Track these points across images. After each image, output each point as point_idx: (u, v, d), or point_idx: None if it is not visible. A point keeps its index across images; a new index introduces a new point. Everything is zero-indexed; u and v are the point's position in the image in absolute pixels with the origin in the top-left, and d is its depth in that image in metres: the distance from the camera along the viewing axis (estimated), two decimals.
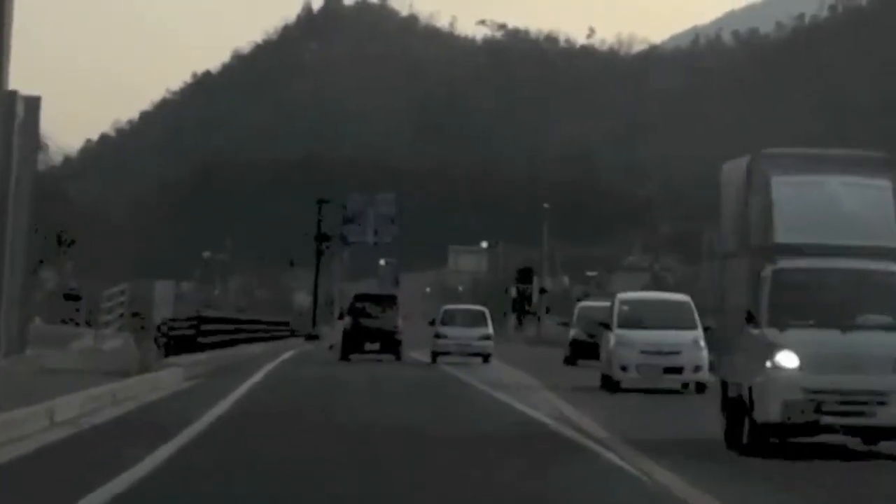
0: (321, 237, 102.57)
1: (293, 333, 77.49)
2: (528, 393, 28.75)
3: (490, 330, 49.49)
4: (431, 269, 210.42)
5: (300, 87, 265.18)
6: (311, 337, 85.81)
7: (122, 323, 36.62)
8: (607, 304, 38.31)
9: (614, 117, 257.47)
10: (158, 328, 37.16)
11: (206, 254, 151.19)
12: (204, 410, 22.32)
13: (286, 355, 52.44)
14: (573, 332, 50.84)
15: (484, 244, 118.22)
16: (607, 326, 34.08)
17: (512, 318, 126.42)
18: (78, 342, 39.10)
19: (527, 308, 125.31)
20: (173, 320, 39.99)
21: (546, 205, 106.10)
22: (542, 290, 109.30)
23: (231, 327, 50.30)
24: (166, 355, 36.28)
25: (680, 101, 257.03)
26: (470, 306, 58.77)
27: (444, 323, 48.70)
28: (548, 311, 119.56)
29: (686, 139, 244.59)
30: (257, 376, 34.38)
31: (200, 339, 41.69)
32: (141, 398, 25.18)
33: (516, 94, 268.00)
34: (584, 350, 46.50)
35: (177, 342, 39.41)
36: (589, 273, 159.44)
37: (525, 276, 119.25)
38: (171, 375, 31.10)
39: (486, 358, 47.96)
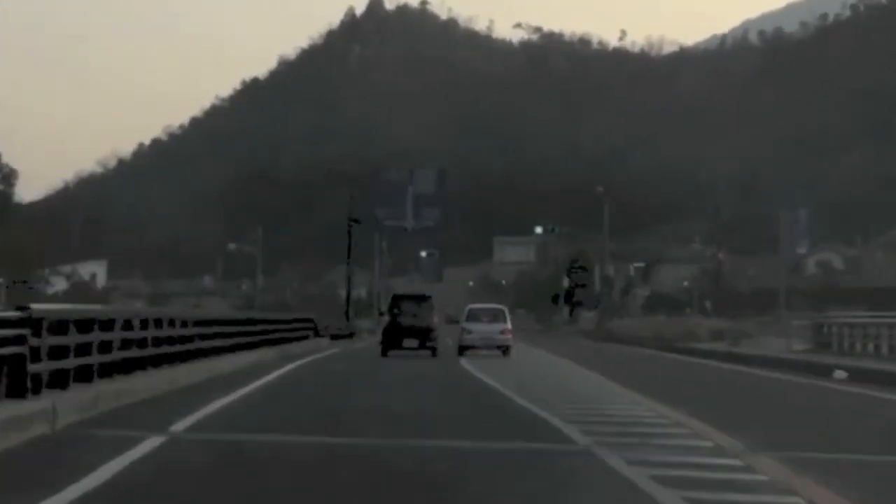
0: (351, 220, 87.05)
1: (317, 332, 62.09)
2: None
3: (509, 325, 50.77)
4: (474, 263, 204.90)
5: (344, 90, 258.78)
6: (340, 336, 74.60)
7: None
8: None
9: (646, 116, 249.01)
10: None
11: (232, 246, 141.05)
12: None
13: (270, 376, 31.62)
14: None
15: (539, 229, 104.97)
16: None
17: (565, 311, 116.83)
18: None
19: (575, 299, 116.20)
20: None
21: (600, 188, 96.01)
22: (607, 279, 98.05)
23: (210, 331, 34.97)
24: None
25: (709, 100, 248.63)
26: (492, 305, 59.35)
27: (468, 320, 50.59)
28: (597, 304, 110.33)
29: (715, 137, 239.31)
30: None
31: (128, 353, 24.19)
32: None
33: (552, 94, 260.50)
34: None
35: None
36: (636, 264, 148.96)
37: (579, 264, 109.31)
38: None
39: (505, 350, 49.08)
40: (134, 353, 24.32)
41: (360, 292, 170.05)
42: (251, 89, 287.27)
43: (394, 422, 19.12)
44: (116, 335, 22.68)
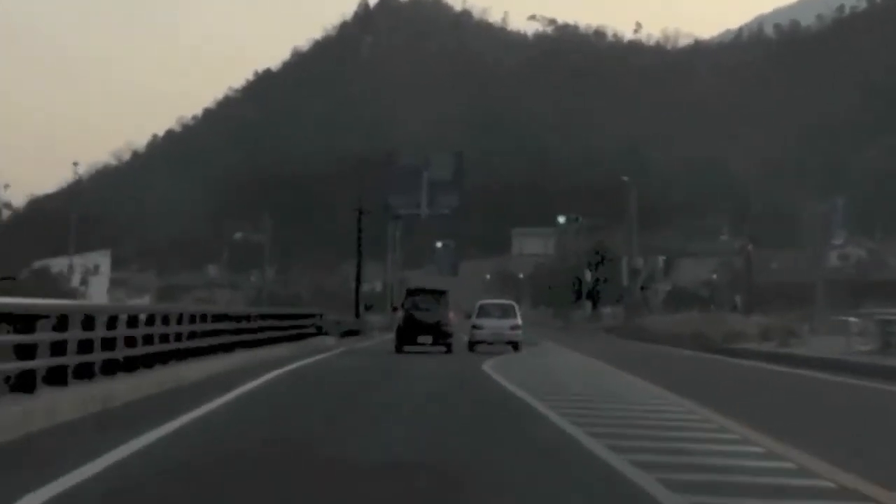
0: (359, 211, 79.92)
1: (320, 331, 54.12)
2: None
3: (519, 321, 49.77)
4: (489, 257, 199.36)
5: (357, 82, 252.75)
6: (351, 332, 67.05)
7: None
8: None
9: (661, 110, 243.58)
10: None
11: (238, 234, 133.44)
12: None
13: (227, 396, 22.27)
14: None
15: (562, 219, 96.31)
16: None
17: (587, 306, 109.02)
18: None
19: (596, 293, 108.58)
20: None
21: (625, 178, 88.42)
22: (636, 273, 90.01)
23: (197, 328, 29.15)
24: None
25: (724, 94, 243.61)
26: (501, 301, 58.57)
27: (479, 315, 49.84)
28: (620, 299, 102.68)
29: (731, 131, 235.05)
30: None
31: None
32: None
33: (566, 86, 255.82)
34: None
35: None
36: (660, 257, 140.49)
37: (602, 257, 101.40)
38: None
39: (515, 346, 48.27)
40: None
41: (373, 285, 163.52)
42: (264, 81, 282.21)
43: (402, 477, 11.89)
44: None
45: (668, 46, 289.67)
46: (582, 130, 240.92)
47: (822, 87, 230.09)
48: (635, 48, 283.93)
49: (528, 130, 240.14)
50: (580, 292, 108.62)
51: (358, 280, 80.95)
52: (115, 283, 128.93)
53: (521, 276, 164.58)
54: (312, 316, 53.34)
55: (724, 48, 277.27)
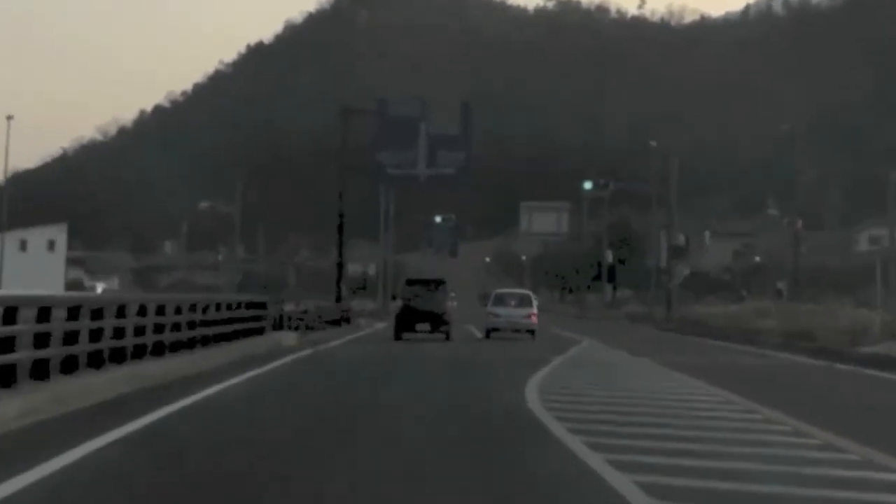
0: (343, 166, 63.78)
1: (279, 324, 40.26)
2: None
3: (535, 310, 49.37)
4: (490, 237, 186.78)
5: (352, 56, 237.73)
6: (333, 322, 54.45)
7: None
8: None
9: (665, 87, 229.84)
10: None
11: (204, 204, 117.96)
12: None
13: None
14: None
15: (588, 185, 79.63)
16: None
17: (607, 290, 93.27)
18: None
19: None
20: None
21: (653, 142, 73.38)
22: (679, 250, 73.97)
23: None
24: None
25: (731, 71, 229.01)
26: (518, 290, 59.41)
27: (495, 304, 49.36)
28: (638, 284, 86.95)
29: (737, 109, 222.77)
30: None
31: None
32: None
33: (568, 62, 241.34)
34: None
35: None
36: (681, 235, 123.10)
37: (623, 233, 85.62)
38: None
39: (531, 334, 47.73)
40: None
41: (366, 267, 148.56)
42: (256, 54, 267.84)
43: None
44: None
45: (674, 23, 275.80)
46: (585, 108, 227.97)
47: (833, 65, 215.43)
48: (639, 24, 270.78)
49: (530, 108, 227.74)
50: (600, 274, 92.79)
51: (340, 255, 64.91)
52: (74, 263, 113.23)
53: (524, 258, 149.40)
54: (261, 305, 36.85)
55: (731, 25, 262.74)
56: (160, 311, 24.28)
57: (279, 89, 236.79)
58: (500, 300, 49.39)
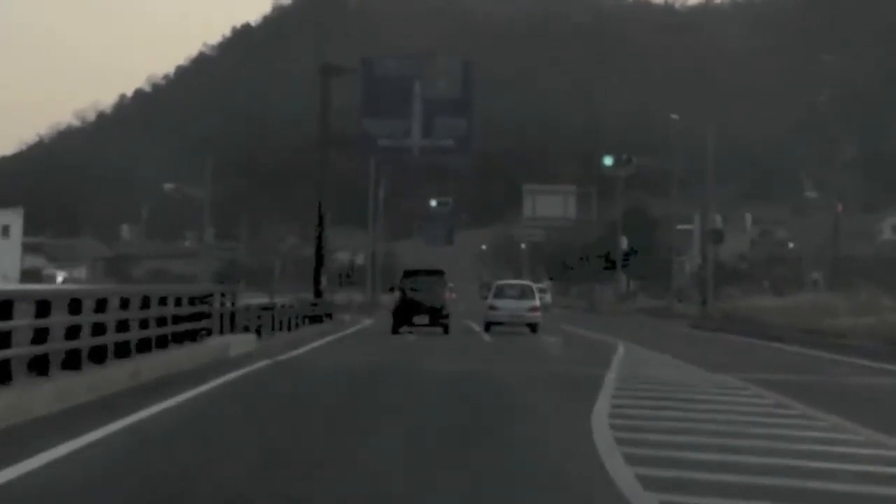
0: (324, 137, 53.81)
1: (232, 322, 30.71)
2: None
3: (537, 302, 47.12)
4: (485, 226, 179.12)
5: (342, 39, 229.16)
6: (313, 319, 46.63)
7: None
8: None
9: (669, 70, 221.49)
10: None
11: (169, 185, 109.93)
12: None
13: None
14: None
15: (608, 160, 69.95)
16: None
17: (622, 280, 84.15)
18: None
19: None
20: None
21: (674, 115, 64.99)
22: (716, 234, 64.77)
23: None
24: None
25: (738, 55, 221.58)
26: (520, 281, 55.75)
27: (496, 296, 47.20)
28: (648, 279, 77.93)
29: (744, 94, 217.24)
30: None
31: None
32: None
33: (566, 46, 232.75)
34: None
35: None
36: (681, 226, 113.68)
37: (641, 218, 76.56)
38: None
39: (533, 328, 45.59)
40: None
41: (355, 256, 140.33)
42: (242, 36, 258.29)
43: None
44: None
45: (677, 5, 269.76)
46: (583, 93, 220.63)
47: (837, 45, 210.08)
48: (641, 5, 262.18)
49: (525, 92, 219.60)
50: (613, 264, 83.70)
51: (320, 241, 55.38)
52: (33, 249, 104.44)
53: (524, 246, 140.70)
54: (203, 300, 27.15)
55: (738, 7, 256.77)
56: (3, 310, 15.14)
57: (266, 73, 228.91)
58: (502, 292, 47.41)
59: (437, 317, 44.03)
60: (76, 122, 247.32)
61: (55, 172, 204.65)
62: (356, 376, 22.51)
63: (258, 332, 33.38)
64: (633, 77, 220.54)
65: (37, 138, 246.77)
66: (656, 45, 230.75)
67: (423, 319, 44.02)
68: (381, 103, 52.40)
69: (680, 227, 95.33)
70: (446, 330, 43.51)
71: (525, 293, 47.63)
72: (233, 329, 30.43)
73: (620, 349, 33.73)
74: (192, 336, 25.63)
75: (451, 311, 45.91)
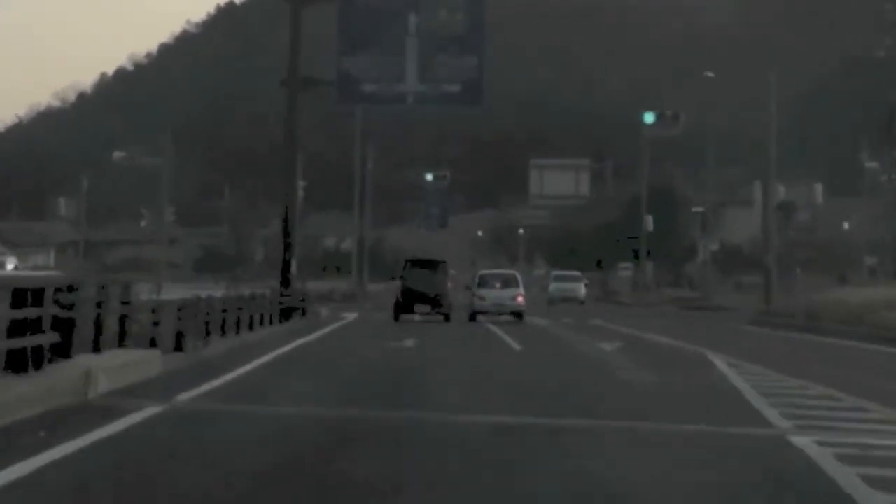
0: (295, 83, 41.70)
1: (97, 329, 18.21)
2: None
3: (522, 290, 47.16)
4: (479, 210, 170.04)
5: (331, 15, 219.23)
6: (287, 313, 38.41)
7: None
8: None
9: (667, 50, 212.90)
10: None
11: (119, 153, 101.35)
12: None
13: None
14: None
15: (649, 117, 58.64)
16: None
17: (649, 268, 73.32)
18: None
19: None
20: None
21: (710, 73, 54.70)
22: (785, 208, 53.86)
23: None
24: None
25: (741, 29, 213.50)
26: (503, 270, 55.09)
27: (480, 286, 47.10)
28: (671, 265, 66.99)
29: (749, 74, 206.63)
30: None
31: None
32: None
33: (564, 25, 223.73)
34: None
35: None
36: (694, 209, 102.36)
37: (667, 198, 66.08)
38: None
39: (519, 316, 45.72)
40: None
41: (342, 242, 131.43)
42: (227, 13, 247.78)
43: None
44: None
45: None
46: (580, 72, 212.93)
47: (839, 24, 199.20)
48: None
49: (519, 72, 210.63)
50: (637, 251, 72.71)
51: (286, 220, 43.66)
52: None
53: (522, 231, 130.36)
54: (35, 297, 15.09)
55: None
56: None
57: (252, 51, 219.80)
58: (486, 282, 47.54)
59: (439, 305, 44.52)
60: (56, 103, 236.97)
61: (30, 155, 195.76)
62: (304, 455, 11.19)
63: (178, 341, 21.96)
64: (628, 54, 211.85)
65: (16, 119, 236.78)
66: (655, 19, 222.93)
67: (423, 308, 44.50)
68: (365, 38, 41.09)
69: (695, 209, 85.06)
70: (447, 318, 44.07)
71: (509, 282, 47.53)
72: (122, 342, 18.90)
73: (719, 365, 22.34)
74: (21, 362, 14.20)
75: (453, 300, 45.96)
